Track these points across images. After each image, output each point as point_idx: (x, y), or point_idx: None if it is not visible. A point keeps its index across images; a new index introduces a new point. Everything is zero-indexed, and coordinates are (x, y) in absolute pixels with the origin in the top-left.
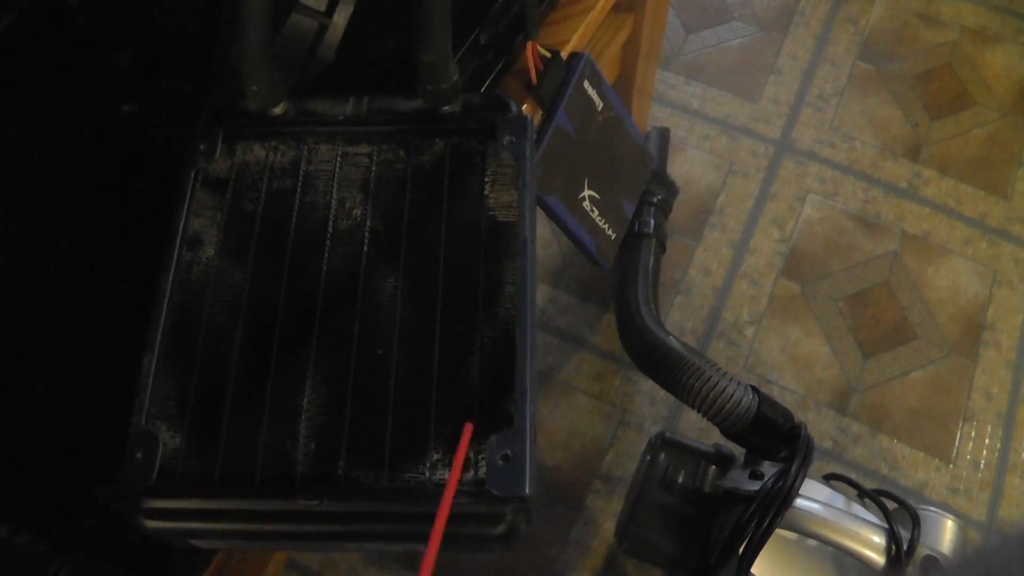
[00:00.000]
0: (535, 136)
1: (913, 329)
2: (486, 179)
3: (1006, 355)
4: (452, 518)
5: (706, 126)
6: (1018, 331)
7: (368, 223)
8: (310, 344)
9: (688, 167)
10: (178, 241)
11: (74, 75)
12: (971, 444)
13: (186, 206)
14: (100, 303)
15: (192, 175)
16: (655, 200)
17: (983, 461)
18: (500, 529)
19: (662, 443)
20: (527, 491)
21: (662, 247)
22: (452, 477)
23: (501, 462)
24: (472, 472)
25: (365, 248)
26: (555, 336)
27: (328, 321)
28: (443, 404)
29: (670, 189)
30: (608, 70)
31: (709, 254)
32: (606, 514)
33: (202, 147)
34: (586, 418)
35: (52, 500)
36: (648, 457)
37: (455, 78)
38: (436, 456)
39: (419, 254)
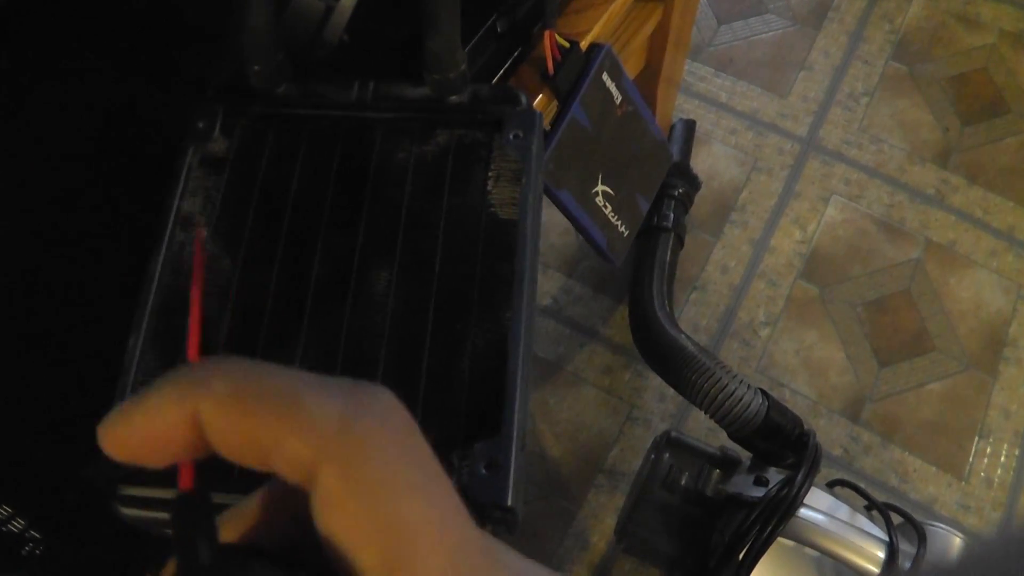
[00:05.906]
0: (543, 132)
1: (932, 340)
2: (490, 174)
3: None
4: None
5: (733, 120)
6: None
7: (365, 213)
8: (298, 335)
9: (712, 161)
10: (171, 220)
11: (73, 53)
12: (986, 461)
13: (181, 185)
14: (92, 279)
15: (189, 153)
16: (676, 193)
17: (997, 480)
18: None
19: (667, 442)
20: (509, 502)
21: (680, 242)
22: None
23: (484, 471)
24: (455, 479)
25: (360, 239)
26: (566, 326)
27: (318, 312)
28: (430, 405)
29: (692, 183)
30: (634, 59)
31: (728, 251)
32: (608, 510)
33: (200, 125)
34: (593, 411)
35: (32, 478)
36: (652, 456)
37: (463, 67)
38: None
39: (416, 248)
